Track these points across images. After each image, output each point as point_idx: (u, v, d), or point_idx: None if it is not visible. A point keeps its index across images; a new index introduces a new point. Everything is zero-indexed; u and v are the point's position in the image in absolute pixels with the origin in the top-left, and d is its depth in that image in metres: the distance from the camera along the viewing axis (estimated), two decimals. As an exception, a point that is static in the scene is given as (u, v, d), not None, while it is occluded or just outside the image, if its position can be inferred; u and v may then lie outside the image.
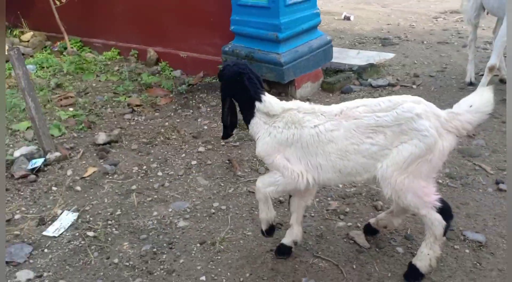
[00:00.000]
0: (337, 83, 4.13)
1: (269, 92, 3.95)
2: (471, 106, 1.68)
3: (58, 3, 4.99)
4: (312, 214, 2.42)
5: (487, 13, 3.96)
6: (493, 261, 2.02)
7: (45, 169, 3.00)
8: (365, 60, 4.92)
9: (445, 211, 1.76)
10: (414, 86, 4.12)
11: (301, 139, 1.84)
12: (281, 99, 3.86)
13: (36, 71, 4.66)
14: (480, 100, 1.68)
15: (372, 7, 7.87)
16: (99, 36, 5.43)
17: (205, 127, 3.52)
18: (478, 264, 2.00)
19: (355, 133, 1.76)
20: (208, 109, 3.83)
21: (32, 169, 2.95)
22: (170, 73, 4.64)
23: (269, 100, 1.95)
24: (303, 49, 3.89)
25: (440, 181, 2.64)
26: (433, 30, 6.10)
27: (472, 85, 4.02)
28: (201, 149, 3.19)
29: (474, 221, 2.29)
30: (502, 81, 4.08)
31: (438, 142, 1.67)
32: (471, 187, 2.58)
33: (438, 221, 1.75)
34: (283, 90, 3.97)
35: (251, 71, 1.97)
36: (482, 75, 4.16)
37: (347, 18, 7.03)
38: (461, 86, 4.07)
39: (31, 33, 5.87)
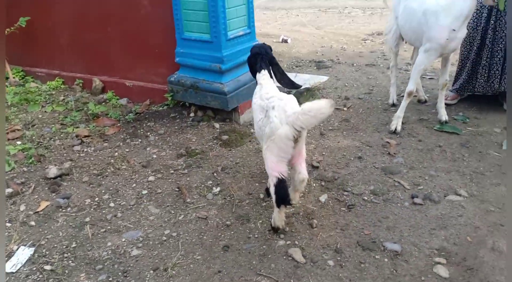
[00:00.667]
0: (277, 107, 4.47)
1: (213, 118, 4.26)
2: (302, 109, 2.26)
3: (-1, 34, 4.99)
4: (256, 235, 2.71)
5: (406, 42, 4.48)
6: (406, 267, 2.39)
7: (-3, 205, 3.08)
8: (301, 84, 5.33)
9: (277, 190, 2.46)
10: (345, 109, 4.55)
11: (253, 105, 2.75)
12: (225, 125, 4.16)
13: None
14: (310, 106, 2.24)
15: (307, 29, 8.41)
16: (43, 66, 5.46)
17: (154, 156, 3.72)
18: (394, 271, 2.37)
19: (259, 109, 2.59)
20: (157, 137, 4.03)
21: (-17, 207, 3.02)
22: (116, 102, 4.79)
23: (262, 75, 2.80)
24: (245, 78, 4.21)
25: (365, 198, 3.02)
26: (362, 52, 6.68)
27: (394, 106, 4.52)
28: (151, 178, 3.39)
29: (392, 233, 2.67)
30: (420, 101, 4.61)
31: (279, 129, 2.35)
32: (391, 202, 2.98)
33: (271, 192, 2.50)
34: (227, 116, 4.26)
35: (265, 53, 2.84)
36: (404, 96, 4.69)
37: (284, 41, 7.48)
38: (385, 107, 4.55)
39: (-31, 61, 5.77)
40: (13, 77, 5.33)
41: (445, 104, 4.36)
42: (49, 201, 3.13)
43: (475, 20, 4.03)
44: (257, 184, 3.24)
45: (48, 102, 4.84)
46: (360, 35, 7.65)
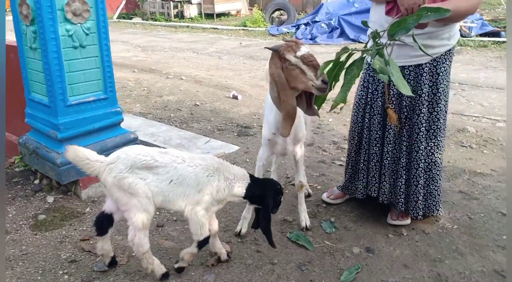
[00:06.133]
0: (140, 182, 3.94)
1: (57, 189, 3.80)
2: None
3: None
4: None
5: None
6: None
7: None
8: (205, 152, 4.81)
9: None
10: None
11: None
12: (63, 199, 3.66)
13: None
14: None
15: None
16: None
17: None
18: None
19: None
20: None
21: None
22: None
23: None
24: (94, 149, 3.71)
25: None
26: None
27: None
28: None
29: None
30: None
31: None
32: None
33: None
34: (70, 189, 3.78)
35: None
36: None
37: (235, 97, 6.99)
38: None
39: None
40: None
41: (326, 203, 3.70)
42: None
43: (354, 113, 3.37)
44: (17, 288, 2.70)
45: None
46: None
